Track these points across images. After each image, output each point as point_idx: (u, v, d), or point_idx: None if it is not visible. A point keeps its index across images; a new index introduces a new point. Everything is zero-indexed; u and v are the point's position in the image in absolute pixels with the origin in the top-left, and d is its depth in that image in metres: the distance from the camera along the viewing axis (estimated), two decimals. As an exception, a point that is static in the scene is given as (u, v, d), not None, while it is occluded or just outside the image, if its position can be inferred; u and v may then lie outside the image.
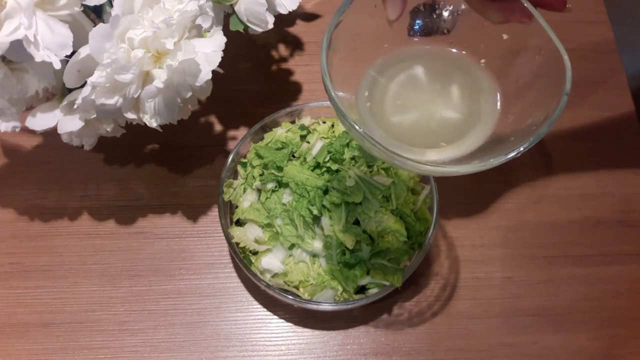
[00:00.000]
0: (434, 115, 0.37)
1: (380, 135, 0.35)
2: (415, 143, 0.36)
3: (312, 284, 0.52)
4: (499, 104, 0.36)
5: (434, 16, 0.40)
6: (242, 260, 0.53)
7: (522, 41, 0.35)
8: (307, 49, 0.73)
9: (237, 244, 0.54)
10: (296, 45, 0.73)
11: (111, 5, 0.43)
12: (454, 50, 0.38)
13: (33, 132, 0.49)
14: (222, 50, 0.47)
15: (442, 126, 0.37)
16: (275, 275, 0.53)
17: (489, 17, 0.36)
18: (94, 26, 0.42)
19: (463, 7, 0.37)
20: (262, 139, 0.58)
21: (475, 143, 0.35)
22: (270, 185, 0.54)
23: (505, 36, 0.36)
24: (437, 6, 0.40)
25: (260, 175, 0.55)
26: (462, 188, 0.65)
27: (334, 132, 0.57)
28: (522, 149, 0.31)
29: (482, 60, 0.38)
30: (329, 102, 0.52)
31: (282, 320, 0.58)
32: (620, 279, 0.61)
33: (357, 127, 0.32)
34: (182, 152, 0.66)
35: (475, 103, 0.37)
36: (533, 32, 0.34)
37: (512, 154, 0.31)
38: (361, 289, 0.53)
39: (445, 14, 0.41)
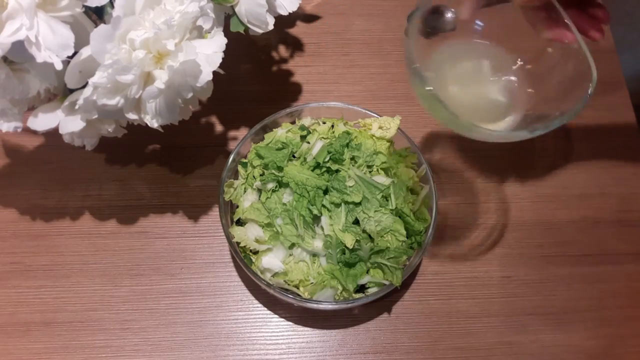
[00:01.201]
0: (483, 98, 0.46)
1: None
2: (466, 114, 0.43)
3: (312, 283, 0.52)
4: (531, 89, 0.45)
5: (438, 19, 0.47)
6: (242, 259, 0.53)
7: (562, 53, 0.43)
8: (307, 50, 0.74)
9: (238, 243, 0.54)
10: (296, 46, 0.74)
11: (112, 6, 0.44)
12: (499, 47, 0.46)
13: (35, 132, 0.49)
14: (223, 51, 0.47)
15: (489, 105, 0.46)
16: (275, 274, 0.53)
17: (537, 31, 0.43)
18: (96, 27, 0.42)
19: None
20: (262, 139, 0.58)
21: (512, 122, 0.44)
22: (271, 185, 0.54)
23: (549, 49, 0.44)
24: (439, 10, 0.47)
25: (261, 175, 0.55)
26: (461, 188, 0.66)
27: (333, 132, 0.57)
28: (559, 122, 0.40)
29: (523, 62, 0.46)
30: (328, 103, 0.63)
31: (283, 319, 0.58)
32: (619, 279, 0.61)
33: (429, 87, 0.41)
34: (183, 152, 0.66)
35: (512, 90, 0.46)
36: (574, 50, 0.41)
37: (550, 127, 0.40)
38: (361, 288, 0.54)
39: (448, 16, 0.47)
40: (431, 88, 0.41)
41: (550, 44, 0.44)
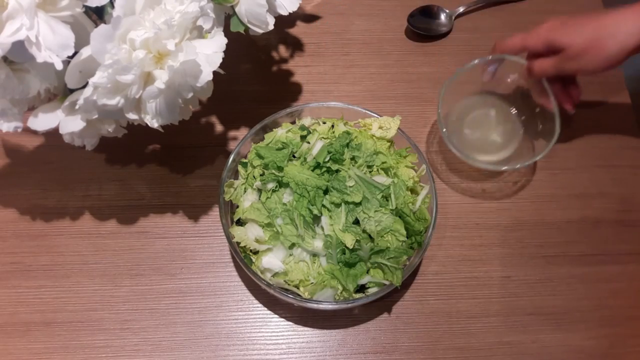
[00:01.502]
0: (487, 136, 0.66)
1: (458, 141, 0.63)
2: (474, 150, 0.63)
3: (312, 283, 0.52)
4: (521, 135, 0.65)
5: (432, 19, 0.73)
6: (242, 259, 0.53)
7: (543, 113, 0.63)
8: (307, 50, 0.74)
9: (238, 243, 0.54)
10: (296, 46, 0.74)
11: (112, 6, 0.44)
12: (503, 104, 0.66)
13: (35, 132, 0.49)
14: (223, 51, 0.47)
15: (489, 143, 0.65)
16: (275, 274, 0.53)
17: (532, 95, 0.63)
18: (96, 27, 0.42)
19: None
20: (262, 139, 0.58)
21: (505, 155, 0.64)
22: (271, 185, 0.54)
23: (537, 110, 0.63)
24: (433, 11, 0.73)
25: (261, 175, 0.55)
26: (461, 188, 0.66)
27: (333, 132, 0.57)
28: (527, 164, 0.61)
29: (518, 115, 0.66)
30: (329, 103, 0.61)
31: (283, 319, 0.58)
32: (619, 278, 0.61)
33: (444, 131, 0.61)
34: (183, 152, 0.66)
35: (508, 133, 0.66)
36: (551, 114, 0.61)
37: (523, 165, 0.61)
38: (361, 288, 0.54)
39: (443, 17, 0.72)
40: (445, 130, 0.61)
41: (538, 105, 0.63)
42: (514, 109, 0.66)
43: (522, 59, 0.60)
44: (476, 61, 0.61)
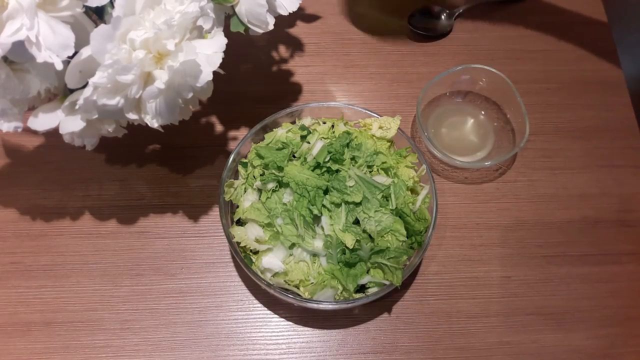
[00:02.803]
0: (463, 138, 0.69)
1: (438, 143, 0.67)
2: (452, 152, 0.65)
3: (312, 283, 0.52)
4: (493, 139, 0.69)
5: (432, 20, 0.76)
6: (242, 259, 0.53)
7: (515, 118, 0.68)
8: (307, 50, 0.74)
9: (238, 243, 0.54)
10: (296, 46, 0.74)
11: (112, 6, 0.44)
12: (475, 109, 0.71)
13: (35, 132, 0.49)
14: (223, 51, 0.47)
15: (465, 144, 0.68)
16: (275, 274, 0.53)
17: (506, 102, 0.69)
18: (96, 27, 0.42)
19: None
20: (262, 139, 0.58)
21: (481, 155, 0.68)
22: (271, 185, 0.54)
23: (508, 115, 0.69)
24: (433, 11, 0.77)
25: (261, 175, 0.55)
26: (461, 188, 0.66)
27: (334, 132, 0.57)
28: (498, 162, 0.65)
29: (492, 120, 0.70)
30: (329, 103, 0.60)
31: (283, 319, 0.58)
32: (619, 278, 0.61)
33: (426, 134, 0.65)
34: (183, 152, 0.66)
35: (482, 136, 0.69)
36: (521, 117, 0.65)
37: (492, 163, 0.64)
38: (361, 288, 0.54)
39: (443, 17, 0.76)
40: (426, 133, 0.64)
41: (510, 111, 0.68)
42: (489, 114, 0.70)
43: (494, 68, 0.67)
44: (453, 69, 0.67)
